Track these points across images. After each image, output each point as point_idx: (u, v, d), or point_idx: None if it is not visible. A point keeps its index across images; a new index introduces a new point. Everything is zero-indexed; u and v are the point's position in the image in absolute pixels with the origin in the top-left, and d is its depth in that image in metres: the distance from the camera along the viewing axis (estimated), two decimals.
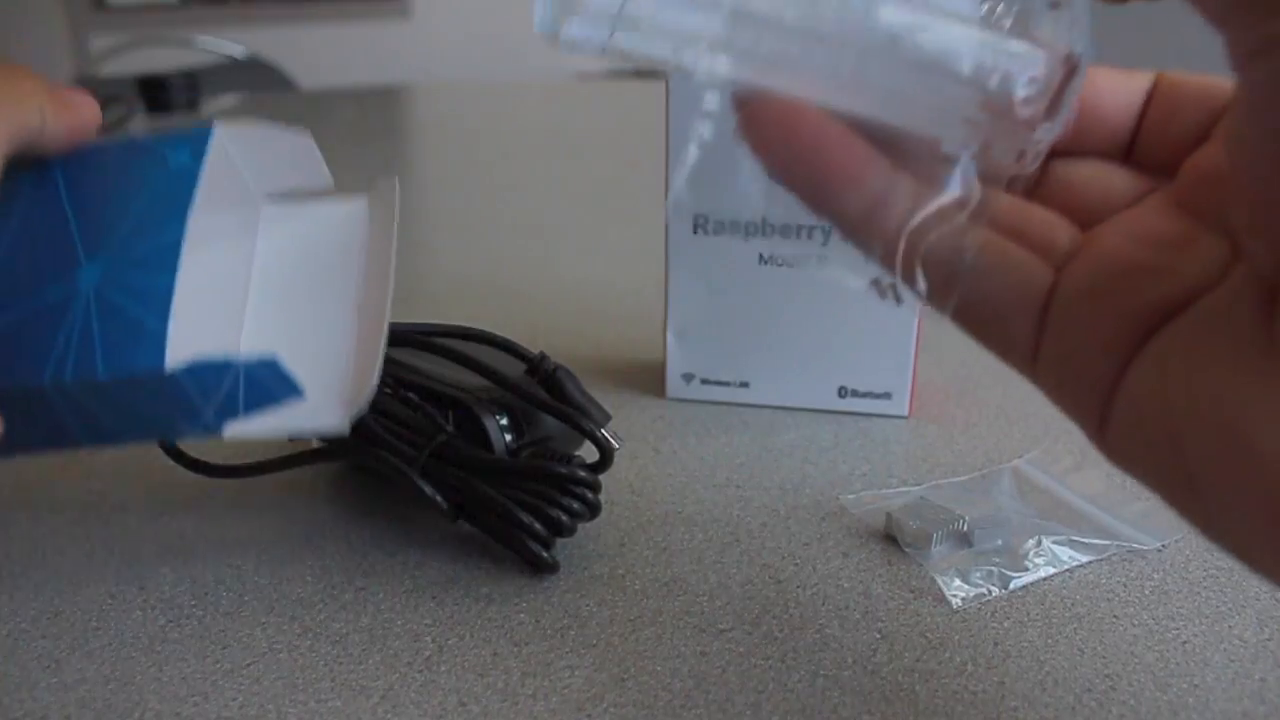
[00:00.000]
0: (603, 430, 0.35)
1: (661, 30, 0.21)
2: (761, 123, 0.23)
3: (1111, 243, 0.23)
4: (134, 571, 0.35)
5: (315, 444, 0.39)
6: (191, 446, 0.43)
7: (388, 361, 0.38)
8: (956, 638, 0.31)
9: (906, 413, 0.45)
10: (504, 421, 0.36)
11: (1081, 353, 0.23)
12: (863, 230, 0.24)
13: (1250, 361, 0.20)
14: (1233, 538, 0.21)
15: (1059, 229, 0.24)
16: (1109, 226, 0.24)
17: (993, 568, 0.34)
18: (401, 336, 0.37)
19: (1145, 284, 0.22)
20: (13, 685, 0.30)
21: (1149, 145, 0.24)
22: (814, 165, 0.23)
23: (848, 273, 0.23)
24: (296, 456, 0.37)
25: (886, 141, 0.23)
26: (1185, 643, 0.31)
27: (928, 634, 0.32)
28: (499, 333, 0.45)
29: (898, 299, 0.23)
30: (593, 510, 0.35)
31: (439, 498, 0.34)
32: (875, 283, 0.23)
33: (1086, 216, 0.24)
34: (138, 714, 0.29)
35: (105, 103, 0.87)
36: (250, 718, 0.28)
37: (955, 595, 0.33)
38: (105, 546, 0.36)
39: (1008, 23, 0.21)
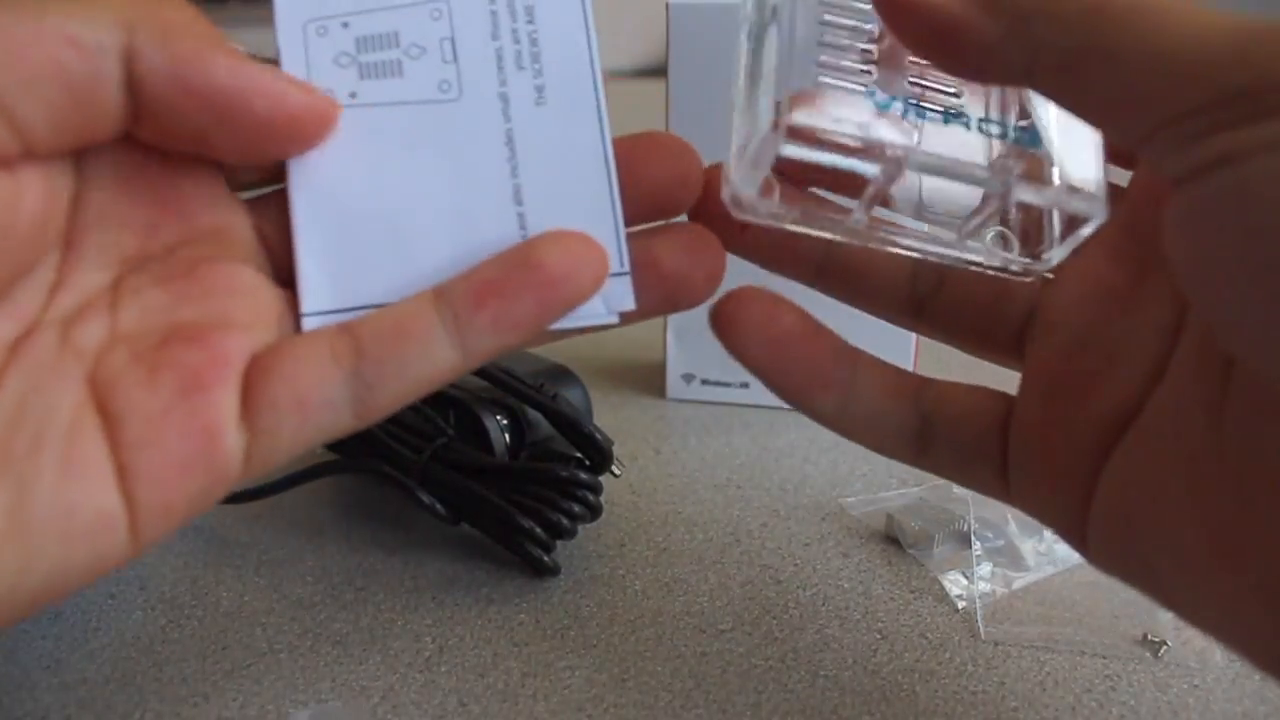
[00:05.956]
0: (599, 434, 0.35)
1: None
2: (739, 323, 0.24)
3: (1055, 343, 0.23)
4: (134, 572, 0.35)
5: (319, 454, 0.39)
6: None
7: None
8: (956, 638, 0.31)
9: None
10: (504, 422, 0.36)
11: (1045, 484, 0.23)
12: (836, 425, 0.25)
13: (1205, 480, 0.20)
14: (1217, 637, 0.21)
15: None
16: (1057, 294, 0.24)
17: (995, 568, 0.34)
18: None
19: (1090, 402, 0.22)
20: (13, 685, 0.30)
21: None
22: (789, 367, 0.24)
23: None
24: (299, 474, 0.37)
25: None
26: (1185, 642, 0.31)
27: (928, 634, 0.32)
28: None
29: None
30: (593, 512, 0.35)
31: (439, 507, 0.34)
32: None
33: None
34: (138, 714, 0.29)
35: None
36: (250, 718, 0.28)
37: (959, 596, 0.33)
38: None
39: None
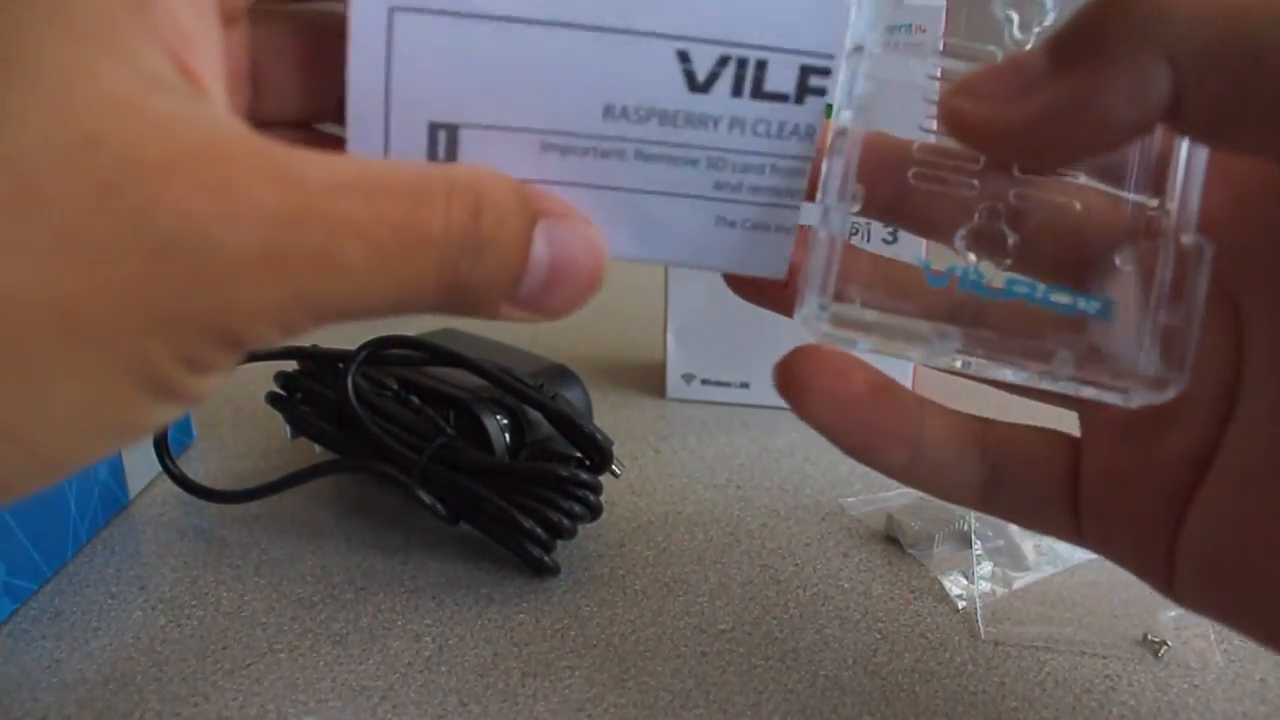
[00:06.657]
0: (600, 435, 0.35)
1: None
2: (808, 387, 0.23)
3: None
4: (134, 572, 0.35)
5: (319, 454, 0.39)
6: (197, 471, 0.43)
7: (391, 363, 0.38)
8: (956, 638, 0.31)
9: None
10: (504, 421, 0.36)
11: (1123, 527, 0.23)
12: (905, 478, 0.24)
13: None
14: None
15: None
16: None
17: (995, 568, 0.34)
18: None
19: (1162, 445, 0.22)
20: (13, 685, 0.30)
21: None
22: (861, 429, 0.23)
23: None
24: (299, 474, 0.37)
25: None
26: (1185, 643, 0.31)
27: (928, 634, 0.32)
28: (498, 333, 0.45)
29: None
30: (593, 512, 0.35)
31: (439, 507, 0.34)
32: None
33: None
34: (138, 714, 0.29)
35: None
36: (250, 718, 0.28)
37: (959, 596, 0.33)
38: (106, 546, 0.36)
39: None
